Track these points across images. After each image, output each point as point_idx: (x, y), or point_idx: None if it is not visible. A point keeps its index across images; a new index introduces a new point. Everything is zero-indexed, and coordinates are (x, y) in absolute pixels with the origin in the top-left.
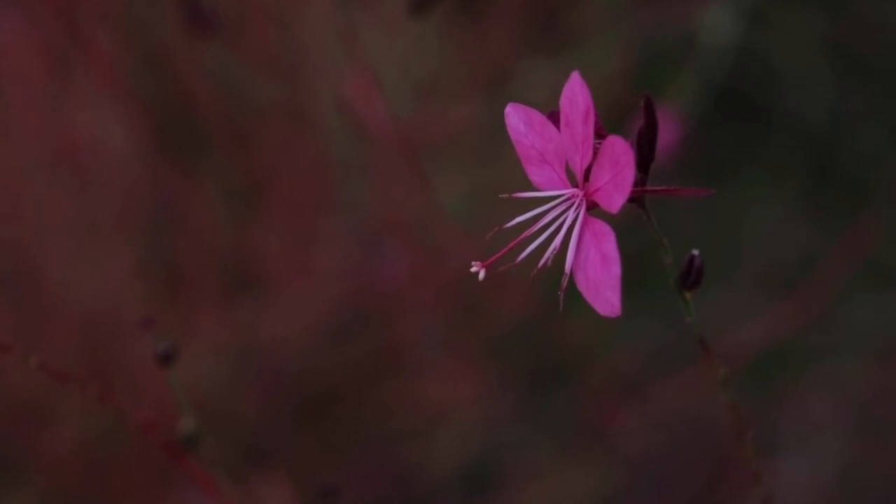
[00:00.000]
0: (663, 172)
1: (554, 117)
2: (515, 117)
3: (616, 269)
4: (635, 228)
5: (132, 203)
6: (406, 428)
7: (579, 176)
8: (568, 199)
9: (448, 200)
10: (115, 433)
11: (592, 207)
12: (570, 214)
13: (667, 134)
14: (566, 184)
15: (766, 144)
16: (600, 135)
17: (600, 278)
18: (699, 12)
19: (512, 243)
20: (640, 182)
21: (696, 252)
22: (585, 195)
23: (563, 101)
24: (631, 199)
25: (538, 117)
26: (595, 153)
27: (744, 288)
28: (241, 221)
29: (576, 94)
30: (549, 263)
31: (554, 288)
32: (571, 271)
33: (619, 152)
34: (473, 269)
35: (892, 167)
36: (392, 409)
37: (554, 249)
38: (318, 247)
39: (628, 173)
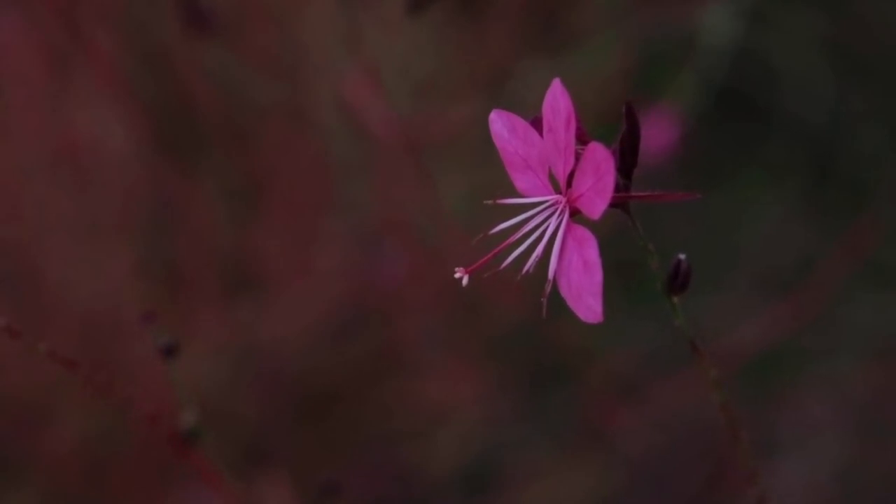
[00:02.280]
0: (663, 173)
1: (537, 123)
2: (499, 123)
3: (598, 275)
4: (632, 230)
5: (132, 203)
6: (406, 428)
7: (562, 182)
8: (551, 205)
9: (448, 200)
10: (115, 433)
11: (575, 214)
12: (553, 221)
13: (666, 134)
14: (550, 190)
15: (766, 144)
16: (583, 141)
17: (583, 284)
18: (699, 12)
19: (495, 250)
20: (623, 188)
21: (682, 256)
22: (568, 201)
23: (545, 108)
24: (615, 205)
25: (521, 124)
26: (577, 159)
27: (743, 288)
28: (241, 221)
29: (557, 100)
30: (532, 270)
31: (554, 288)
32: (555, 277)
33: (600, 159)
34: (457, 276)
35: (892, 167)
36: (392, 409)
37: (537, 256)
38: (318, 247)
39: (609, 180)
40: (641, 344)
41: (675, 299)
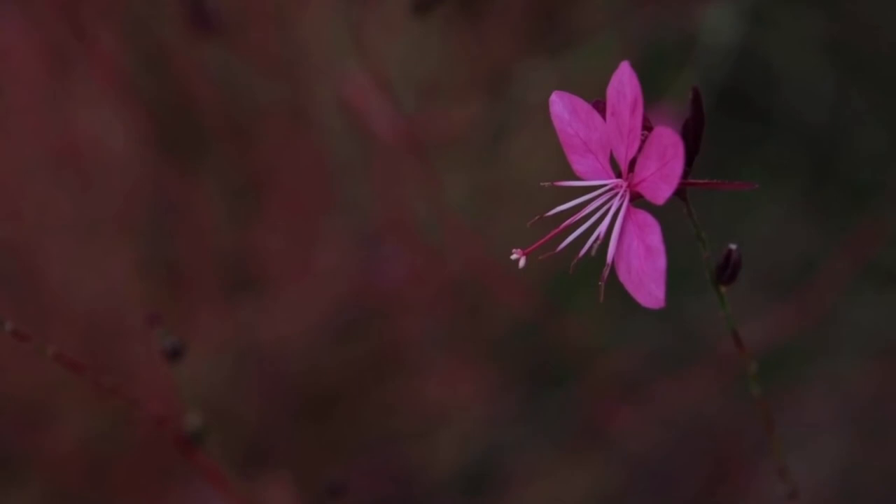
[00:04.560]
0: None
1: (599, 107)
2: (560, 105)
3: (661, 261)
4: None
5: (133, 203)
6: (407, 428)
7: (624, 166)
8: (610, 189)
9: (450, 200)
10: (117, 433)
11: (635, 199)
12: (615, 204)
13: None
14: (610, 174)
15: (766, 144)
16: (647, 126)
17: (644, 270)
18: (699, 12)
19: (553, 232)
20: (683, 174)
21: (733, 246)
22: (629, 186)
23: (610, 91)
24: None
25: (584, 106)
26: (641, 144)
27: (744, 288)
28: (242, 221)
29: (624, 84)
30: (593, 253)
31: (555, 287)
32: (613, 262)
33: (668, 143)
34: (514, 257)
35: (892, 167)
36: (393, 409)
37: (598, 238)
38: (318, 247)
39: (677, 165)
40: (641, 343)
41: (723, 290)
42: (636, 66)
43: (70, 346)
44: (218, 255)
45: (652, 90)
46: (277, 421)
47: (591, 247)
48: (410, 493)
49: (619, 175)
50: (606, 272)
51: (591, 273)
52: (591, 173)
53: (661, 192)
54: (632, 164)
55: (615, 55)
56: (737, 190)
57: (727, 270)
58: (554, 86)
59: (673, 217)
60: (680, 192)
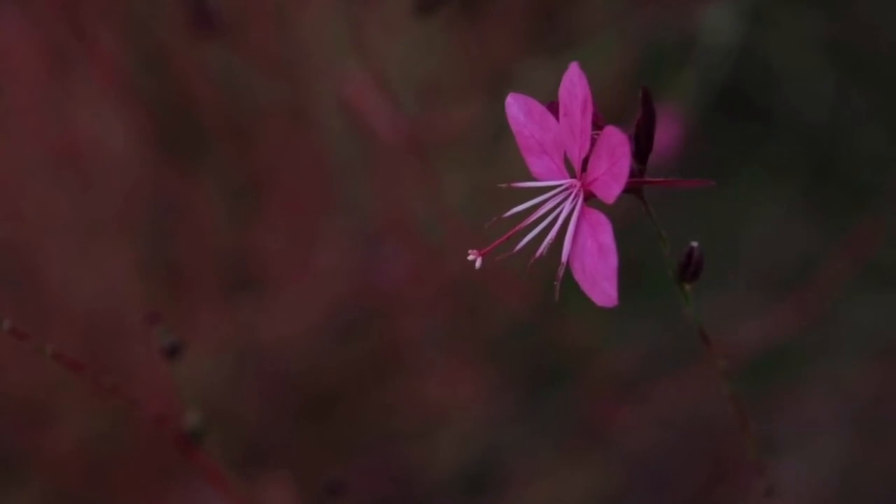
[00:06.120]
0: (662, 172)
1: (553, 108)
2: (515, 107)
3: (613, 259)
4: (634, 229)
5: (133, 203)
6: (406, 428)
7: (577, 166)
8: (566, 189)
9: (450, 200)
10: (117, 432)
11: (590, 198)
12: (567, 204)
13: (667, 134)
14: (564, 174)
15: (766, 144)
16: (598, 126)
17: (597, 269)
18: (699, 12)
19: (508, 233)
20: (638, 173)
21: (694, 244)
22: (583, 185)
23: (562, 92)
24: (629, 191)
25: (538, 108)
26: (593, 144)
27: (743, 288)
28: (242, 221)
29: (574, 84)
30: (545, 253)
31: (561, 292)
32: (568, 261)
33: (616, 143)
34: (471, 258)
35: (892, 167)
36: (392, 409)
37: (550, 240)
38: (318, 247)
39: (624, 164)
40: (640, 343)
41: (688, 287)
42: (636, 66)
43: (70, 346)
44: (218, 255)
45: (652, 90)
46: (277, 421)
47: (544, 248)
48: (410, 493)
49: (574, 175)
50: (561, 271)
51: None
52: (547, 174)
53: (612, 190)
54: (585, 163)
55: (615, 55)
56: (691, 188)
57: (689, 268)
58: (554, 86)
59: (672, 217)
60: (636, 191)
